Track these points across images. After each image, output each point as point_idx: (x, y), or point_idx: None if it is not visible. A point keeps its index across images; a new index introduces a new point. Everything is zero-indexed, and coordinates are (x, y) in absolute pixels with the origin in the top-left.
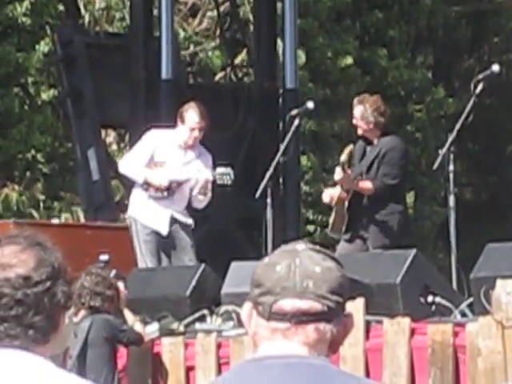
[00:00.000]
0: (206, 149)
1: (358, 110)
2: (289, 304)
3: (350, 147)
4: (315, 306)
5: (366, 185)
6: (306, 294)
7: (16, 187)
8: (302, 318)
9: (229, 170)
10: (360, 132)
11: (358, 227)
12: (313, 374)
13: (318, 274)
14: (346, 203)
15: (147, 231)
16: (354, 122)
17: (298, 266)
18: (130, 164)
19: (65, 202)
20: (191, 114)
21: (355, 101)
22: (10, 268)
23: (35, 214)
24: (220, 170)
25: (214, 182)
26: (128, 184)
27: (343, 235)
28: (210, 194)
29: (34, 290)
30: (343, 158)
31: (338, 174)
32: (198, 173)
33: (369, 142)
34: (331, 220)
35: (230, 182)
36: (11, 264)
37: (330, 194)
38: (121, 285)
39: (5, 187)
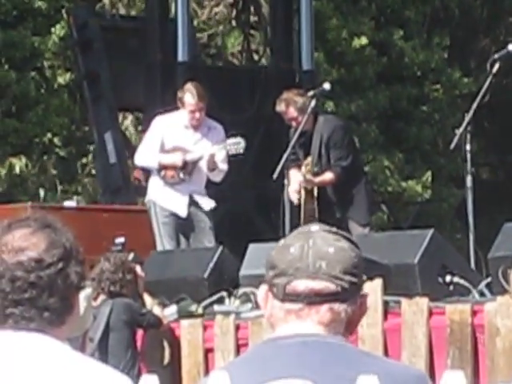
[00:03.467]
0: (217, 121)
1: (292, 108)
2: (302, 285)
3: (308, 160)
4: (328, 286)
5: (327, 177)
6: (319, 275)
7: (23, 159)
8: (315, 298)
9: (239, 139)
10: (305, 129)
11: (330, 214)
12: (330, 352)
13: (331, 255)
14: (315, 199)
15: (166, 213)
16: (294, 124)
17: (310, 247)
18: (144, 154)
19: (81, 185)
20: (188, 97)
21: (281, 104)
22: (22, 251)
23: (41, 192)
24: (230, 140)
25: (228, 155)
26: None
27: None
28: (225, 167)
29: (46, 272)
30: (304, 170)
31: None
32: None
33: (303, 132)
34: (301, 217)
35: (242, 151)
36: (22, 247)
37: (295, 191)
38: (138, 268)
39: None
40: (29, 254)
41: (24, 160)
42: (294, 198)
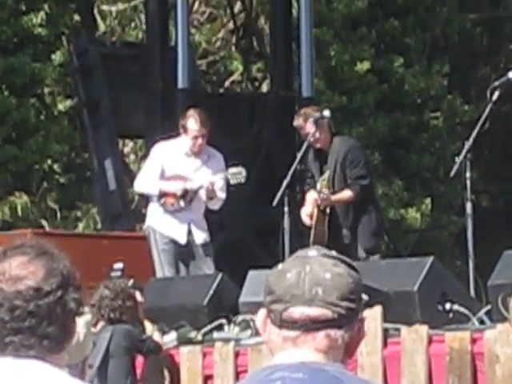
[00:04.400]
0: (216, 149)
1: (309, 123)
2: (298, 311)
3: (324, 175)
4: (325, 313)
5: (346, 194)
6: (316, 302)
7: (24, 196)
8: (311, 325)
9: (241, 168)
10: (319, 146)
11: (339, 238)
12: (328, 380)
13: (328, 281)
14: (327, 220)
15: (165, 240)
16: (311, 139)
17: (307, 274)
18: (143, 181)
19: (81, 212)
20: (191, 123)
21: (299, 119)
22: (20, 280)
23: (45, 223)
24: (232, 170)
25: (228, 183)
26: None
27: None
28: (223, 195)
29: (45, 300)
30: (319, 186)
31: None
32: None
33: (318, 151)
34: (311, 237)
35: (243, 180)
36: (21, 276)
37: (307, 215)
38: (138, 295)
39: (12, 195)
40: (27, 283)
41: (25, 197)
42: (306, 220)
